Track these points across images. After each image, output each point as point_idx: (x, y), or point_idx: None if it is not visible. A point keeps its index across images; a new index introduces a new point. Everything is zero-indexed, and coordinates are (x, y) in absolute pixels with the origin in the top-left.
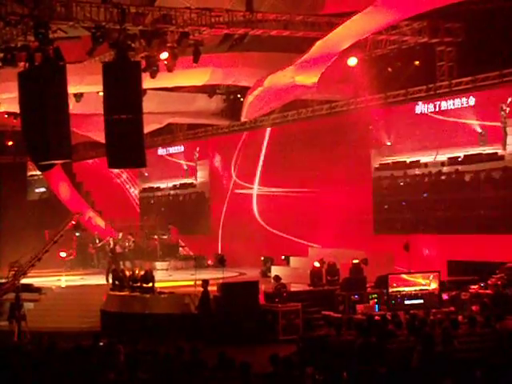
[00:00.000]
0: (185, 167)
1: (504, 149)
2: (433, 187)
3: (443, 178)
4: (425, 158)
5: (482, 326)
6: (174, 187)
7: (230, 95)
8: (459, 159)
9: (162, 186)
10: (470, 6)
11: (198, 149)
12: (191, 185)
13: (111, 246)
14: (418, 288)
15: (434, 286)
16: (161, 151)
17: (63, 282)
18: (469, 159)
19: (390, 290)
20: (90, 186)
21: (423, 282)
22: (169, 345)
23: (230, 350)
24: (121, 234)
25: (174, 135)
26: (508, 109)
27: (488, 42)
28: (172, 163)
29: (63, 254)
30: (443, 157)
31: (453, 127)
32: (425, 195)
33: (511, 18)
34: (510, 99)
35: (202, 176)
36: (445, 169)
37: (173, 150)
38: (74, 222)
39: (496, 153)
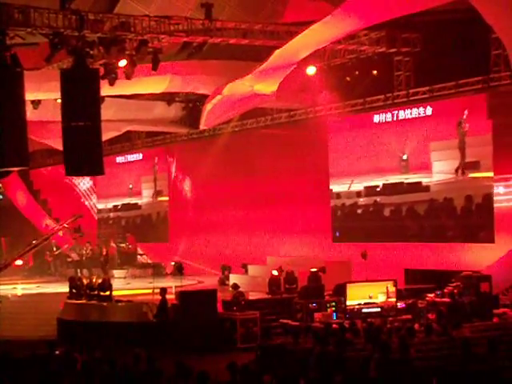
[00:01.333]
0: (130, 186)
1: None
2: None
3: (359, 211)
4: (337, 187)
5: (438, 334)
6: (115, 209)
7: (188, 103)
8: (377, 189)
9: (101, 206)
10: (428, 17)
11: (156, 159)
12: (135, 206)
13: (104, 253)
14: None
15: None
16: (119, 159)
17: (19, 290)
18: (388, 189)
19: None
20: (47, 193)
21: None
22: (126, 353)
23: (188, 359)
24: (75, 241)
25: (132, 143)
26: (467, 125)
27: (445, 52)
28: (120, 178)
29: (19, 262)
30: (359, 185)
31: (378, 147)
32: (337, 234)
33: (468, 28)
34: (466, 112)
35: (148, 195)
36: (361, 200)
37: (131, 157)
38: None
39: (420, 182)
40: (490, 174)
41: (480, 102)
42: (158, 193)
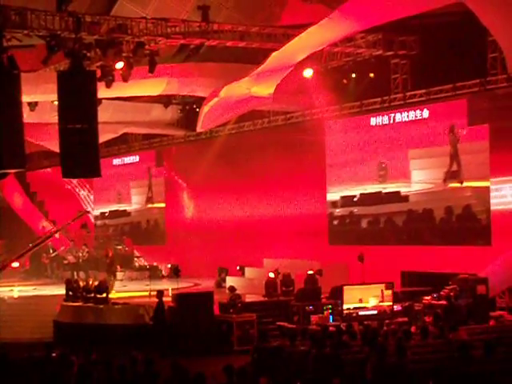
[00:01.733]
0: (119, 191)
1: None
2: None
3: (335, 222)
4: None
5: (434, 337)
6: (102, 216)
7: (185, 105)
8: (354, 199)
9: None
10: (424, 20)
11: (150, 169)
12: (125, 213)
13: (110, 254)
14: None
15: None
16: (116, 161)
17: (16, 292)
18: (365, 199)
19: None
20: (43, 195)
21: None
22: (122, 356)
23: (184, 361)
24: (72, 243)
25: (129, 145)
26: (460, 131)
27: (442, 55)
28: (113, 182)
29: (16, 264)
30: (335, 195)
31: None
32: None
33: (464, 31)
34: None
35: (138, 202)
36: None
37: (128, 159)
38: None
39: (398, 192)
40: (484, 184)
41: (462, 107)
42: (148, 199)
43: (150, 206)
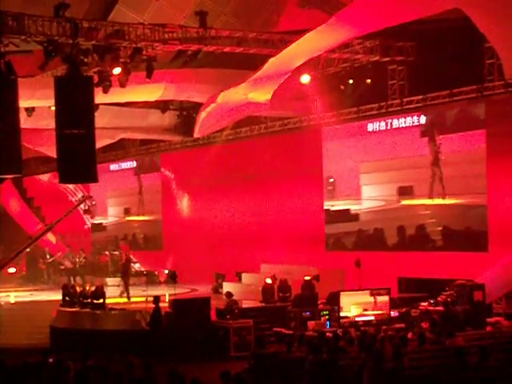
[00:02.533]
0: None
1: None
2: None
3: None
4: None
5: (431, 343)
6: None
7: (182, 111)
8: None
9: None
10: (422, 26)
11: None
12: (100, 226)
13: (123, 261)
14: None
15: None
16: (113, 167)
17: (12, 297)
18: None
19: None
20: (40, 201)
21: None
22: (119, 361)
23: (181, 367)
24: (68, 249)
25: (126, 151)
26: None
27: (439, 61)
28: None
29: (12, 270)
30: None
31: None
32: None
33: (462, 37)
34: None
35: (115, 214)
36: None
37: (125, 165)
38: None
39: (348, 210)
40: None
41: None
42: (126, 211)
43: (128, 218)
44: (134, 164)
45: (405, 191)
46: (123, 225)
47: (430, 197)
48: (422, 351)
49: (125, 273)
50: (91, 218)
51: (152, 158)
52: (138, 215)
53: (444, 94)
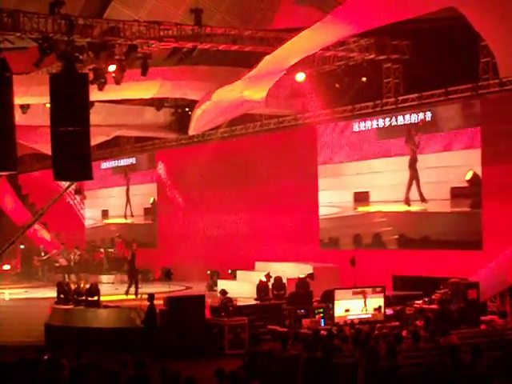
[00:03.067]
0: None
1: None
2: None
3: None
4: None
5: (425, 341)
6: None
7: (178, 108)
8: None
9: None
10: (417, 25)
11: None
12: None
13: (129, 257)
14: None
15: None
16: (106, 164)
17: (7, 295)
18: None
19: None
20: (35, 198)
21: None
22: (113, 359)
23: (175, 365)
24: (63, 246)
25: (121, 148)
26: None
27: (434, 59)
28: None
29: (7, 267)
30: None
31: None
32: None
33: (457, 36)
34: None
35: (92, 217)
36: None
37: (123, 162)
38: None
39: None
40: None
41: None
42: (104, 213)
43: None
44: (130, 161)
45: (361, 197)
46: (99, 229)
47: (407, 203)
48: (416, 349)
49: (133, 268)
50: (83, 198)
51: (147, 156)
52: (131, 214)
53: (439, 92)
